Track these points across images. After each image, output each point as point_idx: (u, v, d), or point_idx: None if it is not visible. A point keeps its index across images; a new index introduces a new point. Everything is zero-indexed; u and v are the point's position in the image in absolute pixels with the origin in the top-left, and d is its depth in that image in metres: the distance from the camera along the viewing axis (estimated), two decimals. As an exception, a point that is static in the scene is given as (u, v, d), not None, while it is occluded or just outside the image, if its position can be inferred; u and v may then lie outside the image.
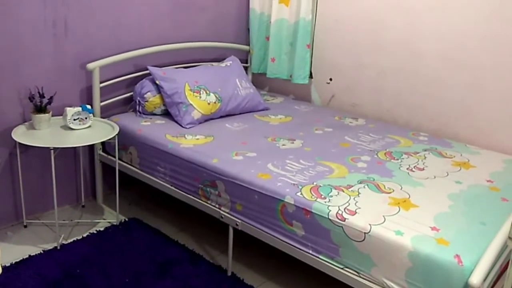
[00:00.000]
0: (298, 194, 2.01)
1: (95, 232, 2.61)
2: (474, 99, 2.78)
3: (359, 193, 2.03)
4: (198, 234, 2.65)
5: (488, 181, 2.22)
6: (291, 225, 2.01)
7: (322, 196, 1.99)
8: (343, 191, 2.04)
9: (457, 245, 1.67)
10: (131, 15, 2.90)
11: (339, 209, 1.89)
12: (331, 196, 1.99)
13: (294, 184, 2.09)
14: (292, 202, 1.99)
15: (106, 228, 2.65)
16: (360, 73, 3.23)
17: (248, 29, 3.59)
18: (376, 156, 2.46)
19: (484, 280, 1.52)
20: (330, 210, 1.89)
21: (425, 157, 2.48)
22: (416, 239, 1.70)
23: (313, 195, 2.00)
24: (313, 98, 3.52)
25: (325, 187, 2.07)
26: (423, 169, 2.33)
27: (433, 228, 1.77)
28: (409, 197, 2.02)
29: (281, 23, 3.41)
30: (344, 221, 1.84)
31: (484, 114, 2.75)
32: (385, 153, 2.50)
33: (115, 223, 2.70)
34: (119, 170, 2.69)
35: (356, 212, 1.87)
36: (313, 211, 1.93)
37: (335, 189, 2.06)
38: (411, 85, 3.02)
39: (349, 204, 1.94)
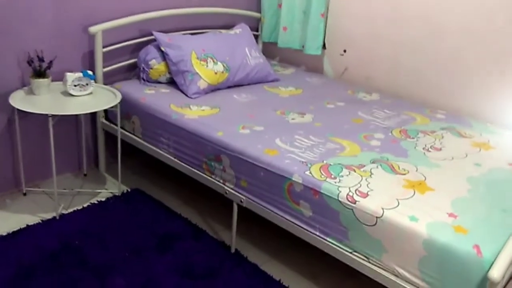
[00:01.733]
0: (307, 172, 1.90)
1: (96, 202, 2.53)
2: (496, 77, 2.62)
3: (371, 173, 1.92)
4: (202, 208, 2.56)
5: (510, 164, 2.09)
6: (298, 205, 1.91)
7: (332, 176, 1.88)
8: (354, 171, 1.92)
9: (476, 234, 1.56)
10: (136, -24, 2.74)
11: (350, 191, 1.78)
12: (342, 176, 1.88)
13: (302, 161, 1.98)
14: (300, 181, 1.88)
15: (107, 199, 2.57)
16: (375, 45, 3.06)
17: (260, -5, 3.41)
18: (390, 134, 2.33)
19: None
20: (340, 191, 1.78)
21: (442, 136, 2.34)
22: (432, 226, 1.59)
23: (322, 175, 1.89)
24: (326, 70, 3.36)
25: (335, 166, 1.95)
26: (440, 149, 2.20)
27: (450, 215, 1.66)
28: (425, 179, 1.90)
29: (294, -11, 3.22)
30: (355, 203, 1.73)
31: (507, 92, 2.59)
32: (400, 131, 2.37)
33: (117, 194, 2.62)
34: (121, 139, 2.59)
35: (368, 194, 1.76)
36: (322, 191, 1.82)
37: (346, 168, 1.94)
38: (429, 60, 2.85)
39: (360, 185, 1.82)
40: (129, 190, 2.66)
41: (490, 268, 1.42)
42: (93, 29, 2.57)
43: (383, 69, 3.07)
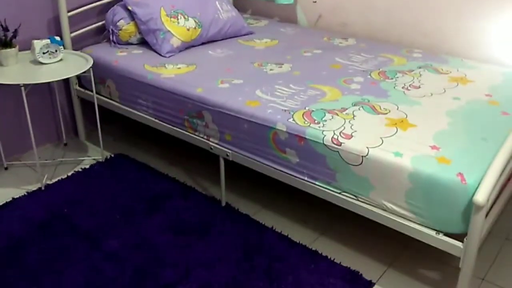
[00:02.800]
0: (290, 120, 1.90)
1: (80, 170, 2.50)
2: (469, 12, 2.62)
3: (354, 115, 1.93)
4: (188, 167, 2.56)
5: (486, 95, 2.13)
6: (284, 153, 1.92)
7: (316, 121, 1.88)
8: (337, 115, 1.93)
9: (459, 163, 1.60)
10: None
11: (334, 134, 1.79)
12: (325, 121, 1.89)
13: (285, 110, 1.98)
14: (284, 129, 1.88)
15: (91, 166, 2.54)
16: (349, -12, 3.01)
17: None
18: (369, 76, 2.33)
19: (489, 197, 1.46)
20: (325, 135, 1.79)
21: (420, 75, 2.36)
22: (416, 159, 1.63)
23: (306, 121, 1.89)
24: (299, 19, 3.31)
25: (318, 112, 1.96)
26: (419, 87, 2.22)
27: (433, 147, 1.69)
28: (406, 116, 1.92)
29: None
30: (340, 145, 1.75)
31: (480, 26, 2.60)
32: (378, 73, 2.38)
33: (100, 160, 2.59)
34: (99, 105, 2.54)
35: (352, 136, 1.78)
36: (307, 137, 1.83)
37: (329, 113, 1.95)
38: (403, 0, 2.83)
39: (344, 128, 1.84)
40: (112, 155, 2.63)
41: (474, 193, 1.46)
42: (55, -8, 2.46)
43: (357, 13, 3.03)
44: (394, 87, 2.21)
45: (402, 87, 2.21)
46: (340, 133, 1.80)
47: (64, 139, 2.78)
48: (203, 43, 2.74)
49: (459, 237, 1.58)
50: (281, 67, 2.44)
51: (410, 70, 2.42)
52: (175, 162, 2.60)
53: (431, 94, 2.14)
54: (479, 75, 2.36)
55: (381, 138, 1.76)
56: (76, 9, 2.60)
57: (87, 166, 2.53)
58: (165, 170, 2.51)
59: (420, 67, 2.45)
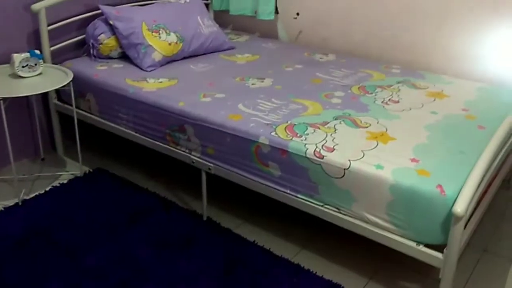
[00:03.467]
0: (273, 134, 1.91)
1: (58, 185, 2.46)
2: (446, 29, 2.70)
3: (335, 129, 1.96)
4: (169, 181, 2.54)
5: (463, 109, 2.18)
6: (267, 166, 1.93)
7: (298, 135, 1.90)
8: (319, 128, 1.95)
9: (438, 175, 1.63)
10: None
11: (317, 147, 1.81)
12: (307, 134, 1.91)
13: (267, 124, 1.99)
14: (267, 143, 1.89)
15: (69, 181, 2.50)
16: (328, 5, 3.07)
17: (207, -38, 3.33)
18: (350, 91, 2.37)
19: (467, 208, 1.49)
20: (308, 148, 1.81)
21: (399, 90, 2.41)
22: (397, 171, 1.65)
23: (288, 134, 1.91)
24: (280, 35, 3.36)
25: (300, 125, 1.98)
26: (398, 101, 2.27)
27: (413, 160, 1.73)
28: (386, 130, 1.96)
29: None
30: (323, 158, 1.77)
31: (456, 42, 2.69)
32: (359, 88, 2.42)
33: (79, 175, 2.55)
34: (78, 119, 2.51)
35: (334, 149, 1.80)
36: (289, 150, 1.84)
37: (311, 126, 1.97)
38: (382, 17, 2.89)
39: (326, 141, 1.86)
40: (91, 170, 2.60)
41: (453, 204, 1.49)
42: (35, 6, 2.45)
43: (337, 29, 3.09)
44: (374, 102, 2.25)
45: (382, 102, 2.25)
46: (322, 146, 1.82)
47: (42, 154, 2.73)
48: (184, 58, 2.75)
49: (439, 248, 1.60)
50: (263, 81, 2.46)
51: (389, 85, 2.47)
52: (156, 176, 2.58)
53: (410, 109, 2.19)
54: (455, 90, 2.42)
55: (362, 151, 1.79)
56: (57, 23, 2.58)
57: (65, 181, 2.49)
58: (146, 184, 2.49)
59: (398, 82, 2.51)
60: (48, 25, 2.52)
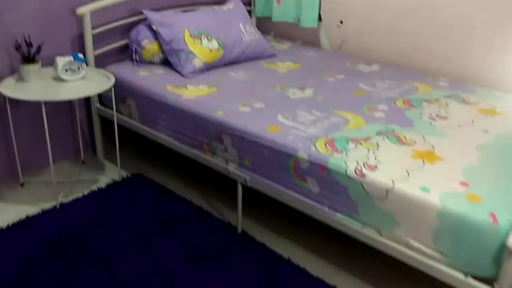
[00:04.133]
0: (312, 148, 1.85)
1: (96, 189, 2.47)
2: (499, 39, 2.55)
3: (378, 145, 1.87)
4: (205, 190, 2.51)
5: (518, 130, 2.04)
6: (305, 182, 1.86)
7: (339, 150, 1.82)
8: (360, 144, 1.87)
9: (490, 202, 1.52)
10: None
11: (358, 164, 1.73)
12: (348, 150, 1.83)
13: (307, 137, 1.92)
14: (306, 157, 1.83)
15: (107, 185, 2.51)
16: (373, 14, 2.97)
17: (251, -32, 3.30)
18: (394, 104, 2.27)
19: (522, 241, 1.38)
20: (348, 166, 1.73)
21: (447, 105, 2.29)
22: (445, 196, 1.55)
23: (328, 149, 1.83)
24: (323, 43, 3.28)
25: (341, 140, 1.90)
26: (446, 117, 2.15)
27: (462, 184, 1.61)
28: (434, 149, 1.85)
29: (287, -40, 3.11)
30: (364, 177, 1.68)
31: (509, 55, 2.53)
32: (403, 101, 2.31)
33: (117, 180, 2.56)
34: (118, 124, 2.52)
35: (376, 167, 1.71)
36: (329, 166, 1.76)
37: (352, 142, 1.89)
38: (429, 25, 2.77)
39: (368, 158, 1.77)
40: (129, 175, 2.60)
41: (506, 236, 1.38)
42: (81, 10, 2.48)
43: (382, 38, 2.99)
44: (420, 117, 2.14)
45: (429, 117, 2.14)
46: (363, 164, 1.73)
47: (82, 157, 2.76)
48: (225, 65, 2.72)
49: (489, 281, 1.49)
50: (303, 91, 2.40)
51: (437, 99, 2.35)
52: (192, 184, 2.56)
53: (459, 126, 2.07)
54: (509, 107, 2.28)
55: (407, 171, 1.69)
56: (101, 27, 2.60)
57: (104, 186, 2.50)
58: (182, 192, 2.47)
59: (446, 97, 2.38)
60: (93, 29, 2.55)
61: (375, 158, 1.77)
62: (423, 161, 1.76)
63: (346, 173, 1.72)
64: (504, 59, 2.55)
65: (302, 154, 1.84)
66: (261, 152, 1.97)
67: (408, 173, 1.68)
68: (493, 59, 2.59)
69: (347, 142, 1.88)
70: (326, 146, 1.86)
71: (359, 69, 2.78)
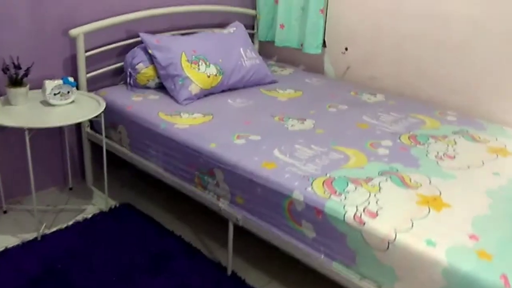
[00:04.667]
0: (309, 189, 1.71)
1: (81, 220, 2.34)
2: (511, 72, 2.42)
3: (380, 188, 1.73)
4: (196, 224, 2.37)
5: (532, 174, 1.90)
6: (300, 225, 1.72)
7: (337, 192, 1.69)
8: (361, 186, 1.73)
9: (502, 260, 1.37)
10: (121, -27, 2.54)
11: (358, 210, 1.59)
12: (348, 192, 1.69)
13: (304, 176, 1.79)
14: (302, 199, 1.69)
15: (94, 216, 2.38)
16: (379, 42, 2.87)
17: (255, -9, 3.21)
18: (399, 140, 2.14)
19: (539, 309, 1.23)
20: (347, 211, 1.59)
21: (455, 142, 2.15)
22: (452, 251, 1.40)
23: (326, 191, 1.70)
24: (326, 70, 3.17)
25: (340, 180, 1.76)
26: (454, 157, 2.01)
27: (471, 236, 1.47)
28: (440, 194, 1.71)
29: (292, -16, 3.02)
30: (364, 225, 1.54)
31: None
32: (409, 137, 2.18)
33: (104, 210, 2.43)
34: (109, 150, 2.41)
35: (377, 214, 1.57)
36: (326, 211, 1.63)
37: (353, 182, 1.75)
38: (437, 55, 2.65)
39: (369, 202, 1.63)
40: (117, 205, 2.48)
41: (522, 303, 1.23)
42: (74, 31, 2.38)
43: (387, 67, 2.87)
44: (426, 155, 2.01)
45: (435, 156, 2.00)
46: (364, 210, 1.59)
47: (70, 183, 2.64)
48: (223, 91, 2.61)
49: None
50: (303, 123, 2.27)
51: (444, 135, 2.21)
52: (183, 216, 2.42)
53: (468, 167, 1.93)
54: (522, 147, 2.14)
55: (411, 219, 1.55)
56: (95, 49, 2.51)
57: (90, 216, 2.37)
58: (171, 225, 2.34)
59: (455, 133, 2.25)
60: (86, 51, 2.45)
61: (377, 203, 1.63)
62: (429, 208, 1.62)
63: (344, 219, 1.58)
64: (517, 93, 2.42)
65: (298, 195, 1.71)
66: (255, 190, 1.84)
67: (412, 223, 1.53)
68: (504, 92, 2.46)
69: (347, 183, 1.75)
70: (323, 187, 1.72)
71: (363, 99, 2.66)
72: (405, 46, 2.76)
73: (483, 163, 1.97)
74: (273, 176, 1.80)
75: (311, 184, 1.74)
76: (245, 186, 1.87)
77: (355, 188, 1.72)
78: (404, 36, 2.74)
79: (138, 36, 2.56)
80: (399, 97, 2.72)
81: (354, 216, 1.57)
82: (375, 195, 1.68)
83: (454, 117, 2.45)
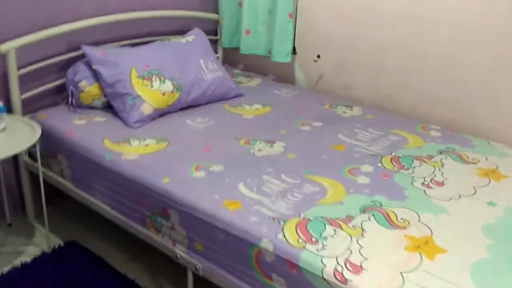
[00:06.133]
0: (280, 236, 1.44)
1: (19, 265, 2.01)
2: (499, 81, 2.21)
3: (363, 230, 1.47)
4: (152, 266, 2.06)
5: (531, 202, 1.68)
6: (270, 279, 1.45)
7: (313, 239, 1.42)
8: (341, 228, 1.47)
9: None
10: (58, -23, 2.20)
11: (338, 263, 1.33)
12: (325, 238, 1.42)
13: (273, 217, 1.52)
14: (271, 249, 1.42)
15: (34, 259, 2.05)
16: (354, 48, 2.61)
17: (217, -7, 2.91)
18: (380, 164, 1.89)
19: None
20: (326, 265, 1.32)
21: (442, 164, 1.92)
22: (453, 319, 1.16)
23: (300, 238, 1.43)
24: (297, 79, 2.90)
25: (316, 222, 1.50)
26: (443, 183, 1.78)
27: (473, 294, 1.23)
28: (432, 234, 1.47)
29: (256, -14, 2.74)
30: (346, 283, 1.28)
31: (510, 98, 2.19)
32: (391, 159, 1.94)
33: (46, 251, 2.10)
34: (49, 182, 2.08)
35: (362, 268, 1.31)
36: (300, 264, 1.36)
37: (331, 224, 1.49)
38: (418, 64, 2.42)
39: (351, 252, 1.37)
40: (61, 244, 2.14)
41: None
42: (3, 47, 2.04)
43: (364, 76, 2.63)
44: (412, 183, 1.77)
45: (422, 183, 1.76)
46: (345, 263, 1.33)
47: (8, 218, 2.29)
48: (181, 109, 2.31)
49: None
50: (272, 146, 2.00)
51: (429, 156, 1.98)
52: (137, 258, 2.10)
53: (459, 197, 1.70)
54: (514, 167, 1.92)
55: (401, 273, 1.30)
56: (31, 65, 2.17)
57: (29, 260, 2.04)
58: (124, 267, 2.02)
59: (441, 152, 2.02)
60: (20, 68, 2.11)
61: (360, 252, 1.37)
62: (421, 255, 1.37)
63: (323, 275, 1.32)
64: (504, 103, 2.21)
65: (267, 243, 1.43)
66: (216, 236, 1.55)
67: (403, 278, 1.28)
68: (492, 104, 2.25)
69: (324, 225, 1.48)
70: (297, 232, 1.45)
71: (338, 113, 2.40)
72: (384, 55, 2.51)
73: (475, 191, 1.74)
74: (237, 220, 1.52)
75: (282, 229, 1.46)
76: (205, 230, 1.58)
77: (334, 232, 1.45)
78: (382, 43, 2.50)
79: (80, 49, 2.22)
80: (378, 110, 2.48)
81: (334, 273, 1.30)
82: (357, 240, 1.42)
83: (438, 132, 2.22)
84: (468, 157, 1.99)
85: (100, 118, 2.17)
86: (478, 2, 2.16)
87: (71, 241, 2.17)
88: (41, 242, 2.17)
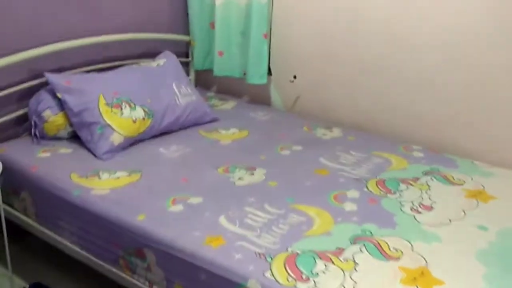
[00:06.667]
0: (267, 274, 1.33)
1: (-24, 316, 1.82)
2: (481, 99, 2.17)
3: (355, 263, 1.38)
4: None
5: (522, 223, 1.63)
6: (259, 325, 1.33)
7: (304, 277, 1.32)
8: (332, 263, 1.37)
9: None
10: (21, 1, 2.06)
11: (332, 303, 1.23)
12: (317, 275, 1.32)
13: (259, 253, 1.41)
14: (259, 290, 1.30)
15: (-6, 307, 1.87)
16: (331, 67, 2.56)
17: (187, 14, 2.81)
18: (366, 189, 1.82)
19: None
20: (319, 307, 1.22)
21: (428, 186, 1.86)
22: None
23: (290, 276, 1.32)
24: (273, 100, 2.82)
25: (305, 257, 1.40)
26: (431, 207, 1.71)
27: (479, 333, 1.15)
28: (427, 264, 1.39)
29: (229, 6, 2.66)
30: (343, 327, 1.18)
31: (493, 117, 2.16)
32: (376, 183, 1.87)
33: (8, 297, 1.92)
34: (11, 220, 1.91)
35: (358, 307, 1.22)
36: (292, 307, 1.25)
37: (321, 258, 1.39)
38: (397, 82, 2.38)
39: (344, 289, 1.27)
40: (26, 287, 1.96)
41: None
42: (-43, 75, 1.88)
43: (342, 96, 2.57)
44: (401, 208, 1.70)
45: (411, 208, 1.70)
46: (340, 302, 1.23)
47: (-35, 261, 2.10)
48: (154, 136, 2.18)
49: None
50: (252, 173, 1.90)
51: (415, 178, 1.92)
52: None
53: (450, 221, 1.63)
54: (501, 186, 1.88)
55: (400, 311, 1.21)
56: (-12, 95, 2.01)
57: (-12, 309, 1.86)
58: (97, 313, 1.87)
59: (426, 173, 1.96)
60: (-23, 98, 1.95)
61: (354, 288, 1.28)
62: (418, 289, 1.29)
63: (316, 319, 1.21)
64: (487, 121, 2.18)
65: (254, 284, 1.32)
66: (197, 277, 1.43)
67: (402, 317, 1.19)
68: (474, 122, 2.22)
69: (314, 260, 1.38)
70: (286, 269, 1.35)
71: (318, 136, 2.33)
72: (362, 74, 2.46)
73: (464, 214, 1.68)
74: (220, 258, 1.40)
75: (270, 267, 1.35)
76: (185, 271, 1.45)
77: (325, 267, 1.36)
78: (359, 60, 2.45)
79: (44, 76, 2.08)
80: (358, 131, 2.42)
81: (329, 315, 1.20)
82: (350, 276, 1.33)
83: (421, 152, 2.17)
84: (453, 178, 1.94)
85: (66, 149, 2.02)
86: (458, 23, 2.14)
87: (37, 283, 1.99)
88: (4, 285, 1.98)
